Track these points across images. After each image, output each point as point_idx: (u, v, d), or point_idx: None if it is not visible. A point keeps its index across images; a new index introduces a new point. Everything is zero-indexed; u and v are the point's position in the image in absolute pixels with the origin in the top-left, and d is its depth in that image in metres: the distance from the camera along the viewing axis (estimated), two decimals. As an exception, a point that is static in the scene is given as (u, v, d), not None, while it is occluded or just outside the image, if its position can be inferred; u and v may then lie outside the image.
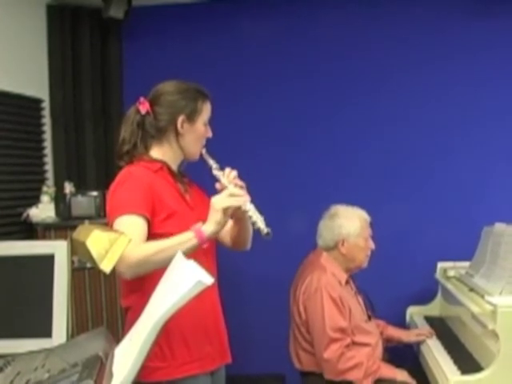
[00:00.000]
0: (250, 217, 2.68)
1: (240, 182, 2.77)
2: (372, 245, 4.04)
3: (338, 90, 5.05)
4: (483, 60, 4.83)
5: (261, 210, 2.72)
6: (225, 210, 2.61)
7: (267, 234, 2.64)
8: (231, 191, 2.67)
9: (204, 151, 2.94)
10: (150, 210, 2.70)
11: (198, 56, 5.06)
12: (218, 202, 2.62)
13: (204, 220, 2.67)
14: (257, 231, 2.69)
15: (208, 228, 2.60)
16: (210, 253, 2.95)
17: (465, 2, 4.88)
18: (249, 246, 3.11)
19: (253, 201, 2.73)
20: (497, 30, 4.81)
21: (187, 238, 2.59)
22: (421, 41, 4.91)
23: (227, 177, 2.77)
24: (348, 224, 3.94)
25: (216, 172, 2.83)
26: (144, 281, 2.65)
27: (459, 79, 4.88)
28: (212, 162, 2.88)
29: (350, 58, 5.03)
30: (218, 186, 2.78)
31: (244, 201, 2.68)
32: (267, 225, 2.66)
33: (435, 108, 4.91)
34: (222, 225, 2.65)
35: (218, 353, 2.92)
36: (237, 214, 2.79)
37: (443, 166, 4.91)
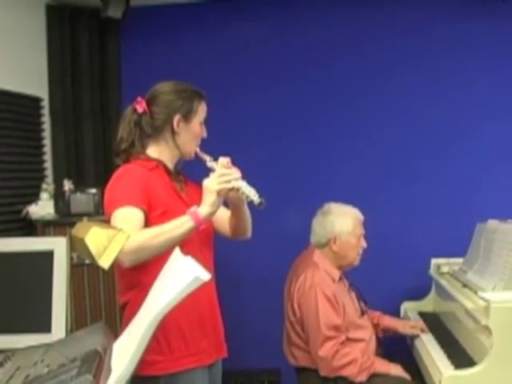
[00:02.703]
0: (242, 192, 2.72)
1: (234, 169, 2.79)
2: (364, 243, 4.03)
3: (333, 89, 5.08)
4: (478, 59, 4.87)
5: (252, 183, 2.76)
6: (218, 192, 2.65)
7: (260, 203, 2.68)
8: (221, 171, 2.70)
9: (198, 150, 2.97)
10: (147, 204, 2.72)
11: (195, 55, 5.08)
12: (210, 183, 2.66)
13: None
14: (250, 203, 2.74)
15: (203, 210, 2.64)
16: (207, 249, 2.98)
17: (458, 1, 4.91)
18: (249, 234, 3.15)
19: (244, 177, 2.75)
20: (492, 30, 4.84)
21: (184, 221, 2.62)
22: (417, 40, 4.95)
23: (221, 163, 2.79)
24: (340, 221, 3.94)
25: (210, 163, 2.86)
26: (141, 277, 2.69)
27: (452, 77, 4.91)
28: (206, 156, 2.90)
29: (346, 56, 5.06)
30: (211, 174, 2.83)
31: (235, 179, 2.71)
32: (260, 195, 2.70)
33: (430, 106, 4.94)
34: (217, 206, 2.68)
35: (214, 347, 2.94)
36: (231, 197, 2.83)
37: (437, 164, 4.94)
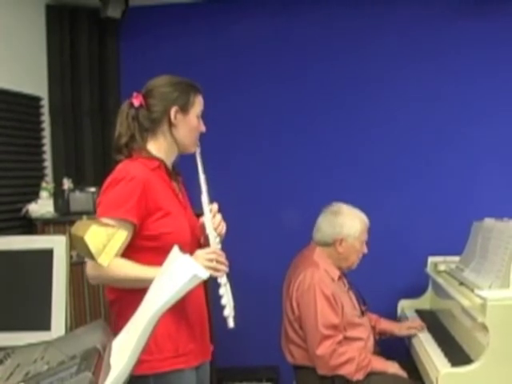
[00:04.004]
0: (222, 295, 2.73)
1: (223, 229, 2.87)
2: (365, 249, 4.06)
3: (335, 89, 5.11)
4: (472, 59, 4.89)
5: (234, 291, 2.75)
6: None
7: (231, 328, 2.68)
8: (217, 257, 2.74)
9: (198, 151, 2.98)
10: (142, 213, 2.71)
11: (193, 55, 5.10)
12: (201, 259, 2.69)
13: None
14: (223, 314, 2.71)
15: None
16: (198, 246, 2.96)
17: (452, 1, 4.93)
18: None
19: (229, 275, 2.75)
20: (487, 30, 4.86)
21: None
22: (415, 40, 4.98)
23: (213, 216, 2.85)
24: (350, 224, 3.95)
25: (204, 200, 2.89)
26: None
27: (447, 78, 4.94)
28: (202, 180, 2.92)
29: (343, 56, 5.09)
30: (201, 220, 2.88)
31: (224, 272, 2.74)
32: (235, 318, 2.69)
33: (427, 105, 4.97)
34: None
35: (200, 350, 2.92)
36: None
37: (434, 162, 4.97)
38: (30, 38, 4.79)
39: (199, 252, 2.74)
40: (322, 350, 3.70)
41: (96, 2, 4.85)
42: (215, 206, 2.89)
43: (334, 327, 3.74)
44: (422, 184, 4.98)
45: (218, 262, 2.73)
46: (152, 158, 2.88)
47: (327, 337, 3.71)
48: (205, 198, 2.89)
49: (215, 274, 2.71)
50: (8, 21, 4.44)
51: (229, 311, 2.69)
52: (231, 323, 2.68)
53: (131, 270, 2.64)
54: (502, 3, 4.83)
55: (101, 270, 2.52)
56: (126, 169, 2.81)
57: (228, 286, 2.75)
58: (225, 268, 2.75)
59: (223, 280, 2.74)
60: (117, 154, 2.95)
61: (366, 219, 4.05)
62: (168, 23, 5.22)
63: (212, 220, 2.84)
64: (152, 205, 2.75)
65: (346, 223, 3.96)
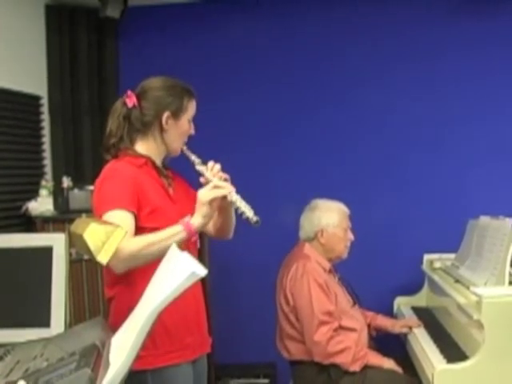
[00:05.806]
0: (238, 207, 2.71)
1: (224, 175, 2.81)
2: (351, 236, 4.13)
3: (323, 87, 5.12)
4: (469, 59, 4.90)
5: (247, 199, 2.74)
6: (211, 202, 2.65)
7: (256, 222, 2.66)
8: (215, 183, 2.70)
9: (185, 148, 2.96)
10: (136, 205, 2.72)
11: (192, 55, 5.12)
12: (204, 194, 2.66)
13: (187, 213, 2.73)
14: (245, 220, 2.69)
15: (195, 221, 2.64)
16: (193, 245, 2.96)
17: (451, 1, 4.94)
18: (231, 235, 3.13)
19: (238, 191, 2.75)
20: (485, 30, 4.87)
21: (176, 231, 2.62)
22: (410, 39, 4.98)
23: (211, 170, 2.80)
24: (326, 215, 4.06)
25: (199, 167, 2.86)
26: (128, 272, 2.67)
27: (443, 77, 4.95)
28: (194, 157, 2.90)
29: (338, 54, 5.10)
30: (202, 180, 2.82)
31: (229, 190, 2.71)
32: (255, 213, 2.69)
33: (423, 105, 4.97)
34: (210, 217, 2.69)
35: (198, 343, 2.94)
36: (223, 206, 2.85)
37: (430, 160, 4.98)
38: (29, 38, 4.80)
39: (199, 193, 2.71)
40: (319, 335, 3.75)
41: (95, 1, 4.86)
42: (211, 162, 2.84)
43: (330, 314, 3.80)
44: (418, 182, 4.99)
45: (218, 186, 2.70)
46: (138, 156, 2.90)
47: (324, 322, 3.76)
48: (199, 165, 2.87)
49: (220, 193, 2.69)
50: (8, 21, 4.46)
51: (247, 214, 2.68)
52: (254, 218, 2.67)
53: (143, 240, 2.61)
54: (502, 3, 4.84)
55: (117, 255, 2.47)
56: (114, 167, 2.85)
57: (239, 199, 2.72)
58: (226, 184, 2.73)
59: (233, 198, 2.72)
60: (105, 153, 2.99)
61: (343, 207, 4.15)
62: (167, 23, 5.23)
63: (210, 172, 2.80)
64: (142, 200, 2.75)
65: (323, 215, 4.08)
